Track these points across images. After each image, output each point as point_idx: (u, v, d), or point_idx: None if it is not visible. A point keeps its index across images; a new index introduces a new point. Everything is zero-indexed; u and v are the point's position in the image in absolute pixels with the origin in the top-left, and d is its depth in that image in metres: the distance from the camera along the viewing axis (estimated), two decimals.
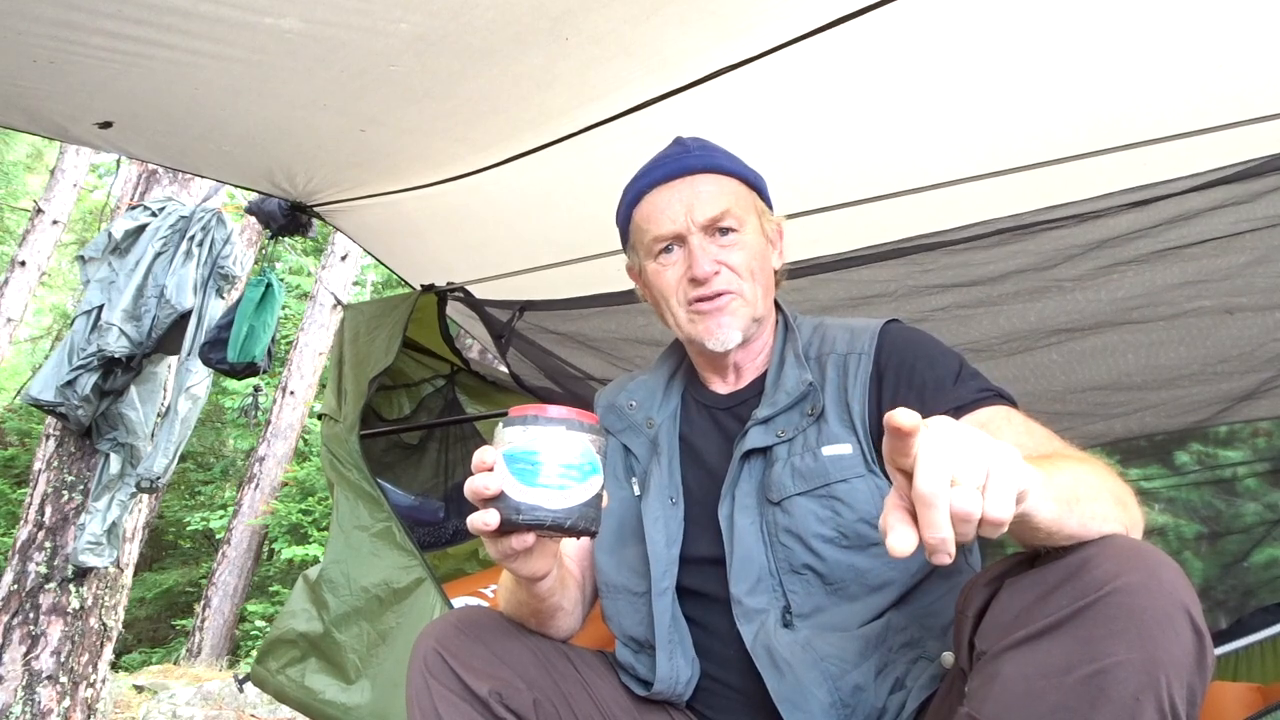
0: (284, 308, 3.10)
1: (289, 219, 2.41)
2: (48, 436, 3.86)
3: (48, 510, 3.74)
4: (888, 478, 1.03)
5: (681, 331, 1.22)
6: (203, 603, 8.63)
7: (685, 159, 1.22)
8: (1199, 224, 1.55)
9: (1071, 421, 2.08)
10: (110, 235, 3.55)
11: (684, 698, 1.13)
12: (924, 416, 1.02)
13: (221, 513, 9.60)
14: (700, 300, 1.17)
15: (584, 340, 2.47)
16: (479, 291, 2.52)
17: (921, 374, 1.11)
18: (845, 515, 1.08)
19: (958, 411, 1.03)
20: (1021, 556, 0.88)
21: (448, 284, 2.49)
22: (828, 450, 1.11)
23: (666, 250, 1.20)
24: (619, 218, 1.30)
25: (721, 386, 1.27)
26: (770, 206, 1.27)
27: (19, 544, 3.75)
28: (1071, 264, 1.68)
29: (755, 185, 1.25)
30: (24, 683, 3.55)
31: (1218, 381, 1.80)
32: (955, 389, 1.08)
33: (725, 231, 1.18)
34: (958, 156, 1.61)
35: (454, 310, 2.64)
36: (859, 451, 1.10)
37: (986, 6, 1.30)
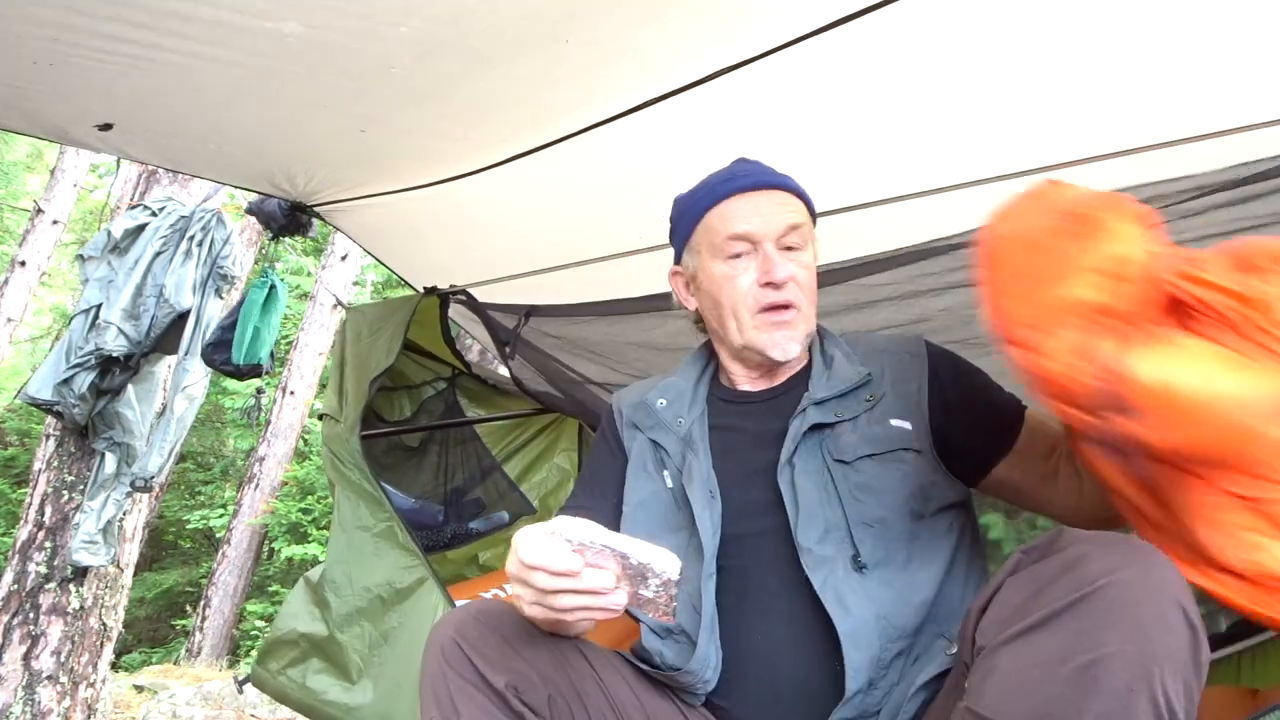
0: (285, 308, 3.10)
1: (289, 219, 2.41)
2: (48, 436, 3.86)
3: (48, 510, 3.74)
4: (940, 464, 1.22)
5: (740, 336, 1.28)
6: (203, 603, 8.63)
7: (768, 175, 1.31)
8: (1198, 224, 1.55)
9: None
10: (110, 234, 3.55)
11: (711, 684, 1.15)
12: (985, 404, 1.27)
13: (221, 512, 9.60)
14: (773, 308, 1.25)
15: (586, 345, 2.47)
16: (480, 294, 2.52)
17: (974, 376, 1.30)
18: (912, 479, 1.18)
19: (1019, 411, 1.24)
20: (1022, 556, 0.89)
21: (450, 286, 2.49)
22: (894, 422, 1.22)
23: (737, 255, 1.26)
24: (685, 219, 1.35)
25: (751, 386, 1.34)
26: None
27: (19, 544, 3.76)
28: None
29: (814, 214, 1.35)
30: (24, 683, 3.56)
31: None
32: (1006, 395, 1.27)
33: (792, 249, 1.27)
34: (958, 160, 1.61)
35: (455, 312, 2.64)
36: (917, 432, 1.21)
37: (987, 9, 1.30)
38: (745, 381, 1.34)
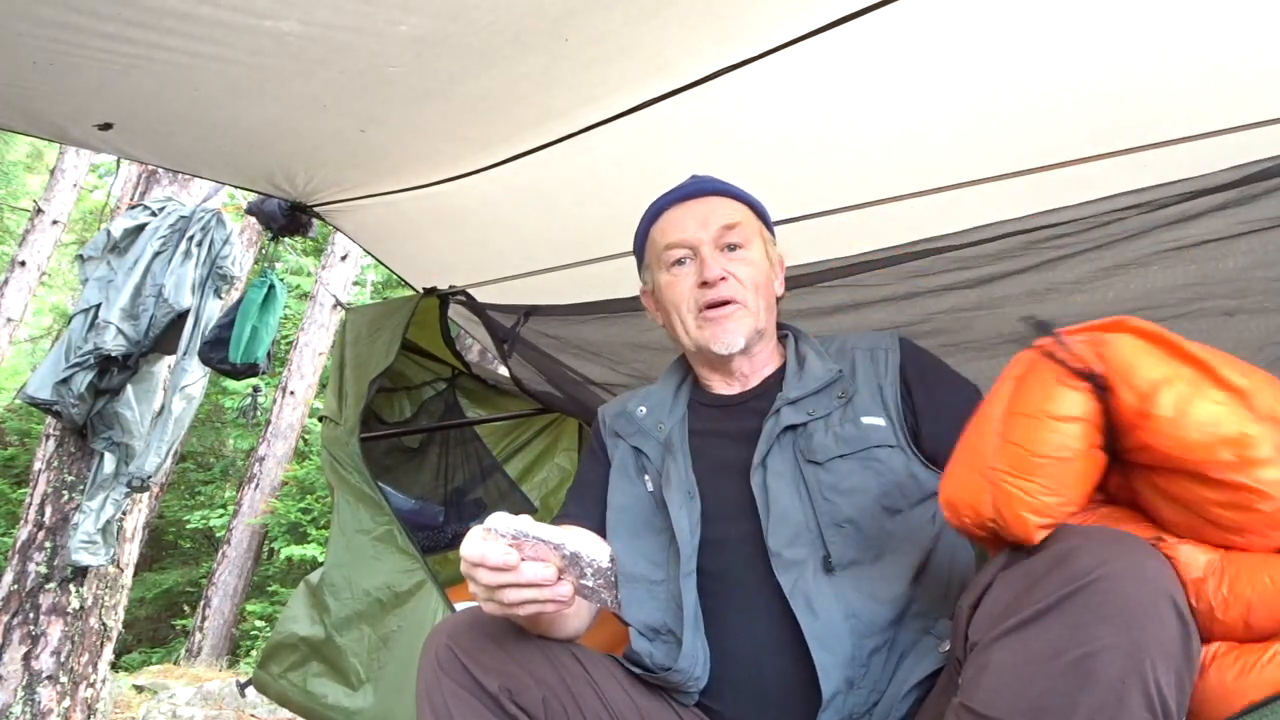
0: (284, 308, 3.10)
1: (289, 219, 2.41)
2: (48, 436, 3.86)
3: (48, 510, 3.74)
4: (917, 456, 1.19)
5: (689, 339, 1.32)
6: (203, 603, 8.62)
7: (702, 183, 1.37)
8: (1198, 226, 1.55)
9: None
10: (109, 234, 3.55)
11: (702, 681, 1.16)
12: (953, 407, 1.18)
13: (221, 512, 9.60)
14: (710, 306, 1.28)
15: (585, 345, 2.47)
16: (480, 295, 2.52)
17: (939, 371, 1.31)
18: (886, 476, 1.18)
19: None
20: (1012, 552, 0.90)
21: (450, 287, 2.49)
22: (866, 420, 1.23)
23: (679, 263, 1.32)
24: (636, 239, 1.42)
25: (727, 389, 1.36)
26: (774, 239, 1.42)
27: (19, 544, 3.75)
28: (1070, 266, 1.68)
29: (762, 216, 1.40)
30: (24, 683, 3.55)
31: None
32: (969, 389, 1.27)
33: (734, 247, 1.31)
34: (959, 160, 1.61)
35: (454, 312, 2.64)
36: (891, 427, 1.23)
37: (986, 10, 1.30)
38: (720, 385, 1.37)
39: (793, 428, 1.23)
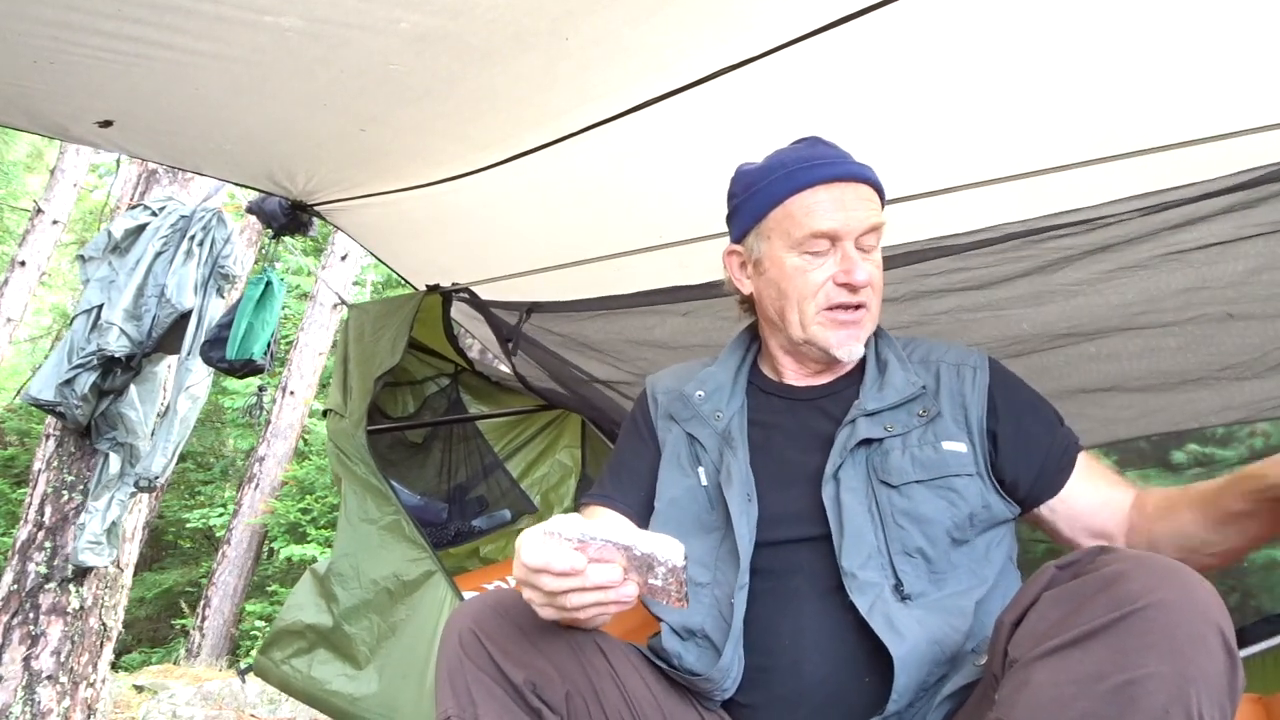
0: (284, 307, 3.10)
1: (289, 218, 2.41)
2: (48, 436, 3.86)
3: (48, 510, 3.74)
4: (994, 485, 1.18)
5: (801, 331, 1.23)
6: (203, 603, 8.62)
7: (851, 165, 1.24)
8: (1200, 229, 1.54)
9: (1071, 423, 2.06)
10: (110, 234, 3.55)
11: (729, 692, 1.13)
12: (1039, 443, 1.20)
13: (221, 512, 9.59)
14: (843, 308, 1.21)
15: (588, 343, 2.46)
16: (481, 293, 2.52)
17: (1032, 411, 1.24)
18: (960, 508, 1.14)
19: (1071, 457, 1.21)
20: (1057, 571, 0.89)
21: (453, 285, 2.49)
22: (947, 445, 1.17)
23: (817, 252, 1.21)
24: (754, 201, 1.26)
25: (798, 381, 1.30)
26: None
27: (19, 544, 3.75)
28: (1074, 269, 1.68)
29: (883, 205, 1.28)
30: (24, 683, 3.55)
31: (1219, 387, 1.80)
32: (1062, 435, 1.23)
33: (869, 249, 1.22)
34: (959, 162, 1.61)
35: (456, 311, 2.64)
36: (972, 453, 1.17)
37: (989, 9, 1.29)
38: (793, 375, 1.30)
39: (867, 442, 1.17)
